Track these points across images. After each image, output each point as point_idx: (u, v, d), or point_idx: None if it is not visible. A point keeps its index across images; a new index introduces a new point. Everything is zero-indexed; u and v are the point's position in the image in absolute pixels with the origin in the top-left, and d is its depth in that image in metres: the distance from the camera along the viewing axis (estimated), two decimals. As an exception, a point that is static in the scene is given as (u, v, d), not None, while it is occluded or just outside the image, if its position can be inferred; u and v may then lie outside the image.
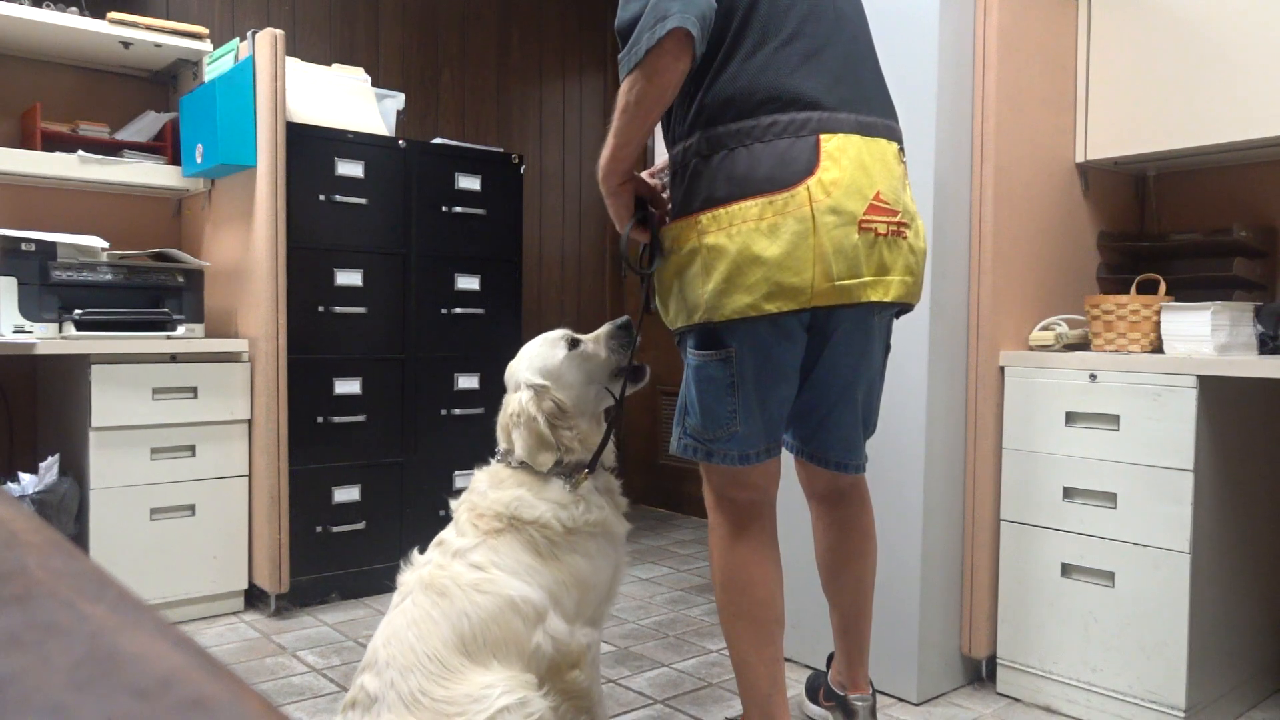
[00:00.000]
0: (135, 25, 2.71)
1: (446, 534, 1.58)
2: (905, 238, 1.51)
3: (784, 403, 1.61)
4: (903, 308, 1.60)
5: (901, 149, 1.57)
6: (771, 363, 1.53)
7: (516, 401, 1.60)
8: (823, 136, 1.44)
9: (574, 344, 1.65)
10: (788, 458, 1.80)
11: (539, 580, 1.50)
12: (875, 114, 1.52)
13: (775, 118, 1.44)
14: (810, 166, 1.42)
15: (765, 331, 1.49)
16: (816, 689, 2.00)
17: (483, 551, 1.50)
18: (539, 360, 1.63)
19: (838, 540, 1.82)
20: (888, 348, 1.70)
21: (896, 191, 1.50)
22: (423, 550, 1.60)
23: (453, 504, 1.64)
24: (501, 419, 1.65)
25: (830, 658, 1.95)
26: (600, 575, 1.59)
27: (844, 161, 1.43)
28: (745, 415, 1.54)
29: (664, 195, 1.66)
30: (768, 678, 1.63)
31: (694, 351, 1.55)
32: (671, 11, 1.35)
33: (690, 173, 1.50)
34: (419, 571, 1.52)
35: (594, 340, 1.67)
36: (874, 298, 1.47)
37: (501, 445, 1.64)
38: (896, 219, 1.49)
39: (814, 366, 1.61)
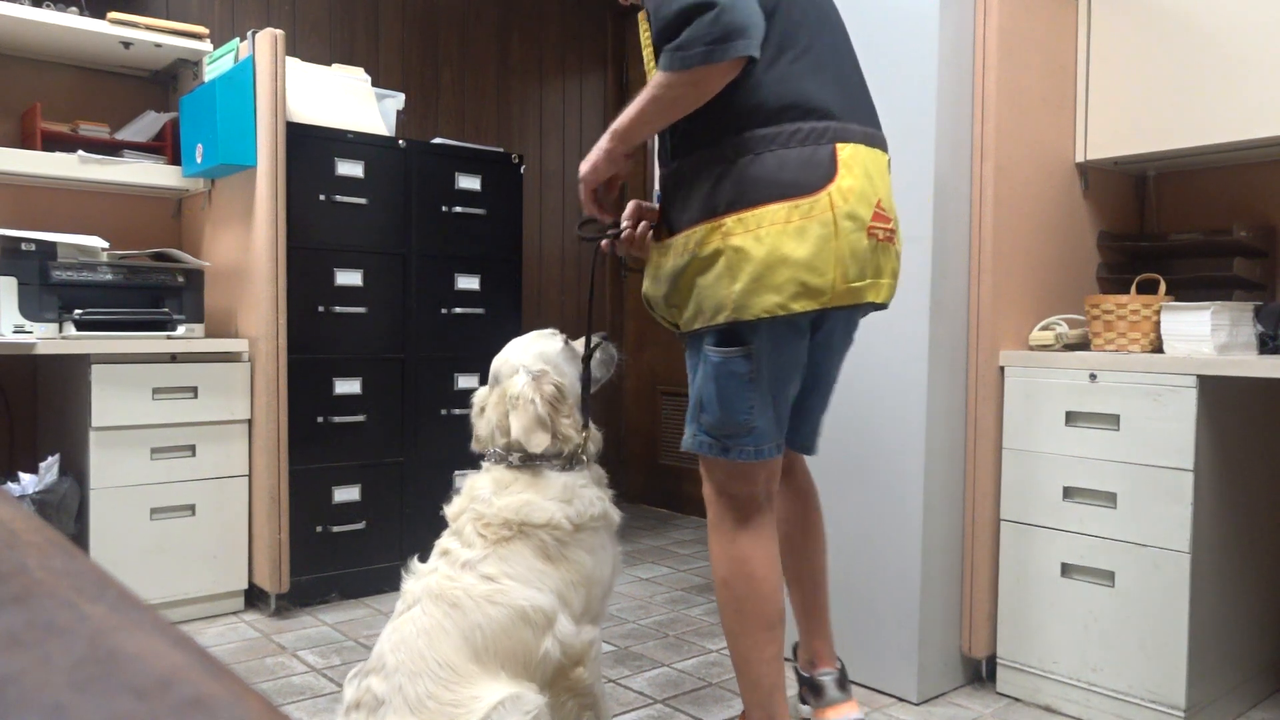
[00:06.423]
0: (135, 25, 2.71)
1: (450, 543, 1.56)
2: (894, 243, 1.59)
3: (791, 398, 1.66)
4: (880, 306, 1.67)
5: (889, 160, 1.64)
6: (785, 360, 1.59)
7: (515, 384, 1.61)
8: (838, 145, 1.50)
9: (565, 341, 1.72)
10: None
11: (549, 584, 1.51)
12: (872, 125, 1.60)
13: (798, 125, 1.49)
14: (831, 174, 1.48)
15: (784, 329, 1.54)
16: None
17: (493, 562, 1.49)
18: (536, 348, 1.67)
19: (798, 510, 1.89)
20: (851, 341, 1.79)
21: (890, 200, 1.59)
22: (423, 558, 1.58)
23: (448, 510, 1.61)
24: (491, 416, 1.64)
25: (795, 647, 1.98)
26: (604, 569, 1.61)
27: (856, 170, 1.50)
28: (761, 410, 1.58)
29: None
30: (770, 676, 1.64)
31: (714, 349, 1.57)
32: (739, 33, 1.39)
33: (714, 177, 1.52)
34: (425, 581, 1.50)
35: (580, 345, 1.74)
36: (870, 299, 1.56)
37: (498, 442, 1.62)
38: (889, 225, 1.57)
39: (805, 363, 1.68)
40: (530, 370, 1.62)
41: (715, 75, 1.43)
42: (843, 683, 1.87)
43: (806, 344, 1.61)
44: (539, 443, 1.57)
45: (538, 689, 1.47)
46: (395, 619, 1.50)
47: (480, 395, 1.70)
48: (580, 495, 1.58)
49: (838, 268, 1.47)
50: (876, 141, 1.57)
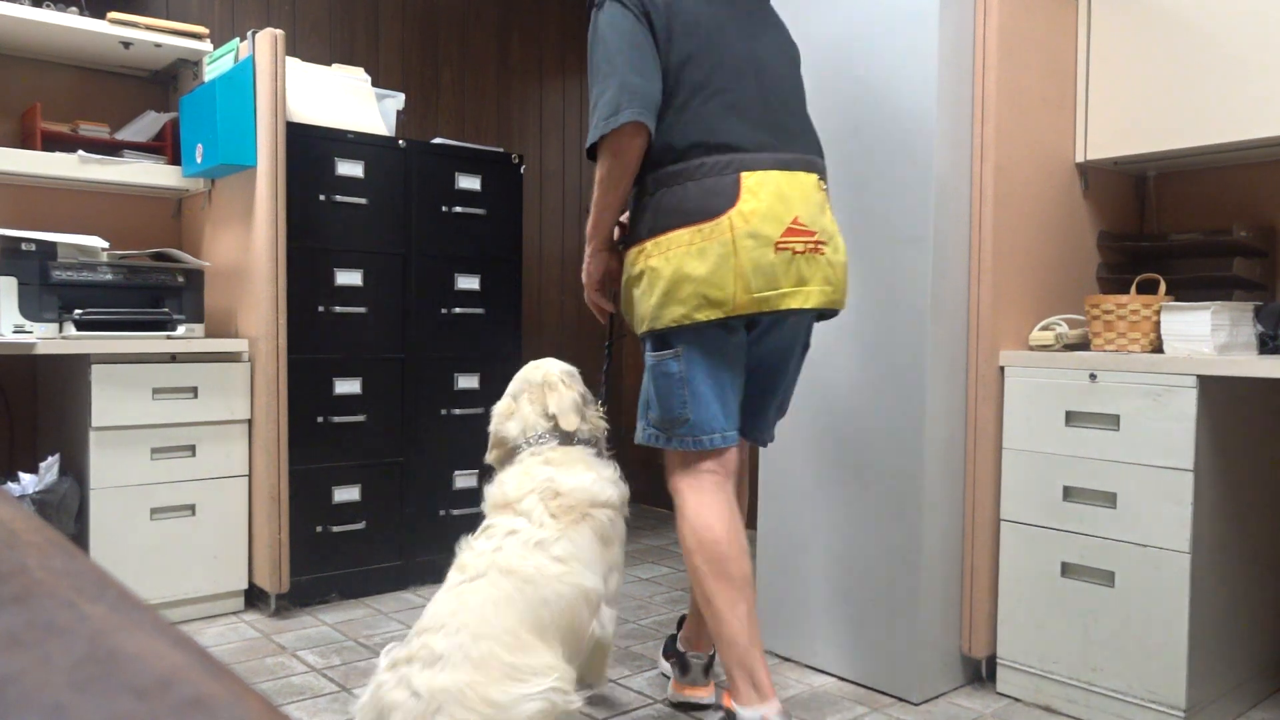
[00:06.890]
0: (135, 25, 2.71)
1: (515, 522, 1.65)
2: (823, 254, 1.74)
3: (738, 392, 1.82)
4: (824, 313, 1.83)
5: (822, 179, 1.79)
6: (717, 356, 1.77)
7: (552, 375, 1.86)
8: (744, 174, 1.69)
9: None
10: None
11: (600, 569, 1.67)
12: (794, 151, 1.77)
13: (703, 160, 1.71)
14: (733, 199, 1.68)
15: (714, 331, 1.74)
16: (668, 648, 2.21)
17: (564, 544, 1.63)
18: (558, 362, 1.92)
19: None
20: (806, 347, 1.93)
21: (814, 215, 1.74)
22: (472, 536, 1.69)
23: (507, 492, 1.70)
24: (527, 410, 1.83)
25: (682, 619, 2.17)
26: (622, 554, 1.78)
27: (763, 194, 1.69)
28: (695, 405, 1.78)
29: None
30: (745, 632, 1.74)
31: (651, 353, 1.80)
32: (625, 104, 1.67)
33: (639, 208, 1.78)
34: (493, 557, 1.59)
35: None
36: (794, 305, 1.71)
37: (541, 427, 1.80)
38: (814, 238, 1.73)
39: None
40: (562, 367, 1.90)
41: (622, 143, 1.69)
42: (707, 669, 2.06)
43: (740, 343, 1.79)
44: (571, 423, 1.81)
45: (576, 673, 1.59)
46: (452, 589, 1.57)
47: (503, 406, 1.88)
48: (619, 479, 1.79)
49: (738, 281, 1.67)
50: (795, 166, 1.74)
